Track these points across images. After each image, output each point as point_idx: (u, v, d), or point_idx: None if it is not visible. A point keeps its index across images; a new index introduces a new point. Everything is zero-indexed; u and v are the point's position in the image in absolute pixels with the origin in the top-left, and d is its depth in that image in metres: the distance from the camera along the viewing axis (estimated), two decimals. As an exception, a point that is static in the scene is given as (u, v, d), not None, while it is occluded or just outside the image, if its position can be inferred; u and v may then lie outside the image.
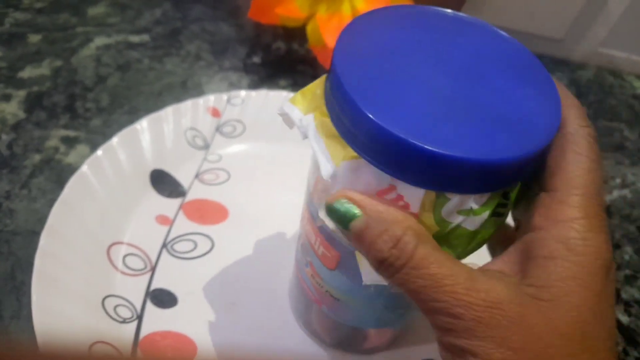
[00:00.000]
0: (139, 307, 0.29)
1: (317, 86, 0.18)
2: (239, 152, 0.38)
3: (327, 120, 0.17)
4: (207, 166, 0.36)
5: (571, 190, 0.15)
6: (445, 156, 0.14)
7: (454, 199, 0.15)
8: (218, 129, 0.38)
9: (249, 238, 0.33)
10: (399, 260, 0.15)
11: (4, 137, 0.36)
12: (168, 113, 0.37)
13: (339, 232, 0.17)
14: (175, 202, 0.34)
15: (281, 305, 0.30)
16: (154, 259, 0.31)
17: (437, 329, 0.15)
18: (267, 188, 0.35)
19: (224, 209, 0.34)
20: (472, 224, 0.16)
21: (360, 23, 0.18)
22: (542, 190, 0.16)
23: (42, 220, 0.30)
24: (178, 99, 0.40)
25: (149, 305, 0.29)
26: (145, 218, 0.33)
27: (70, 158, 0.35)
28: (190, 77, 0.43)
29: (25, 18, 0.46)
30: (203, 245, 0.32)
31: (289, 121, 0.19)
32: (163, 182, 0.35)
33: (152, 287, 0.30)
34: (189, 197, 0.35)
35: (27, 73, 0.41)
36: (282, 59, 0.47)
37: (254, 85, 0.44)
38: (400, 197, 0.15)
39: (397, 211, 0.15)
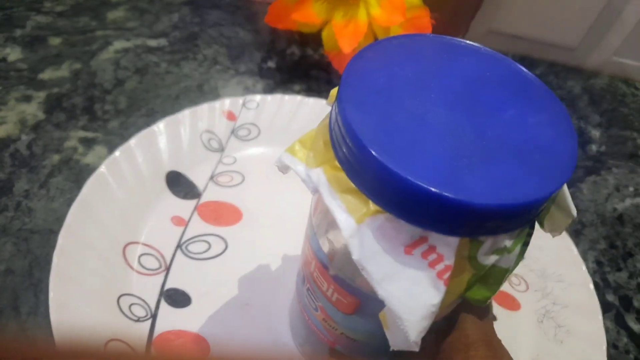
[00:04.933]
0: (153, 306, 0.29)
1: (318, 136, 0.17)
2: (253, 155, 0.38)
3: (342, 175, 0.15)
4: (222, 168, 0.37)
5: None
6: (477, 204, 0.13)
7: (488, 242, 0.15)
8: (233, 132, 0.39)
9: (262, 240, 0.33)
10: None
11: (24, 137, 0.37)
12: (185, 116, 0.37)
13: (359, 281, 0.17)
14: (190, 204, 0.34)
15: (294, 306, 0.30)
16: (168, 259, 0.31)
17: None
18: (280, 191, 0.36)
19: (238, 210, 0.35)
20: (506, 261, 0.16)
21: (359, 62, 0.17)
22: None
23: (60, 219, 0.30)
24: (194, 102, 0.40)
25: (163, 305, 0.29)
26: (161, 219, 0.33)
27: (88, 159, 0.36)
28: (207, 81, 0.44)
29: (47, 21, 0.47)
30: (217, 246, 0.33)
31: (284, 168, 0.18)
32: (179, 184, 0.35)
33: (167, 287, 0.30)
34: (204, 198, 0.35)
35: (47, 75, 0.42)
36: (296, 64, 0.48)
37: (269, 90, 0.44)
38: (432, 249, 0.15)
39: None
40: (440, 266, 0.15)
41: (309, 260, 0.21)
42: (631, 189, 0.43)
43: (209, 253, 0.32)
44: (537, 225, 0.17)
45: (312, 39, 0.49)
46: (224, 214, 0.34)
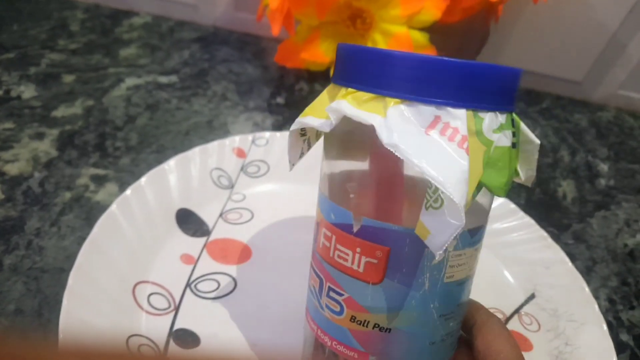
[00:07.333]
0: (162, 347, 0.29)
1: (322, 97, 0.21)
2: (262, 192, 0.38)
3: (355, 94, 0.19)
4: (231, 205, 0.37)
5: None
6: (476, 65, 0.17)
7: (487, 117, 0.18)
8: (243, 169, 0.39)
9: (272, 278, 0.33)
10: None
11: (37, 174, 0.37)
12: (195, 153, 0.38)
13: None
14: (199, 241, 0.35)
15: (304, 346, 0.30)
16: (177, 299, 0.31)
17: None
18: (290, 228, 0.36)
19: (247, 248, 0.35)
20: (506, 139, 0.19)
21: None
22: None
23: (70, 258, 0.30)
24: (204, 138, 0.41)
25: (172, 346, 0.29)
26: (170, 257, 0.33)
27: (99, 196, 0.36)
28: (216, 117, 0.44)
29: (60, 59, 0.48)
30: (226, 285, 0.32)
31: (295, 152, 0.22)
32: (188, 221, 0.35)
33: (176, 327, 0.30)
34: (213, 236, 0.35)
35: (60, 112, 0.42)
36: (305, 100, 0.48)
37: (278, 125, 0.45)
38: (447, 125, 0.17)
39: None
40: (457, 137, 0.17)
41: (326, 248, 0.22)
42: (641, 224, 0.43)
43: (218, 292, 0.32)
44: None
45: (320, 75, 0.49)
46: (232, 252, 0.34)
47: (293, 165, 0.24)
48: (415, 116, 0.18)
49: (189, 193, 0.37)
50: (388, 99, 0.18)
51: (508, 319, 0.33)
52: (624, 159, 0.50)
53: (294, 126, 0.21)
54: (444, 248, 0.17)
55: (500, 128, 0.18)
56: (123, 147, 0.40)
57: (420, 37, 0.41)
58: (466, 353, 0.25)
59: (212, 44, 0.54)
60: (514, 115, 0.20)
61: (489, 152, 0.18)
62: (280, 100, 0.48)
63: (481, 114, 0.18)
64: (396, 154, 0.17)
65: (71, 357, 0.12)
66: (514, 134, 0.19)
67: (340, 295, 0.22)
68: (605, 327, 0.32)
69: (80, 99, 0.44)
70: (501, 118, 0.19)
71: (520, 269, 0.36)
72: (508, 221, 0.39)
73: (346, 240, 0.21)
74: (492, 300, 0.34)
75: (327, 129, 0.19)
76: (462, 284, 0.22)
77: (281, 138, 0.41)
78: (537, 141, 0.21)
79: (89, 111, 0.43)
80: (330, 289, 0.23)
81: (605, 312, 0.35)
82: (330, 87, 0.21)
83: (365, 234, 0.20)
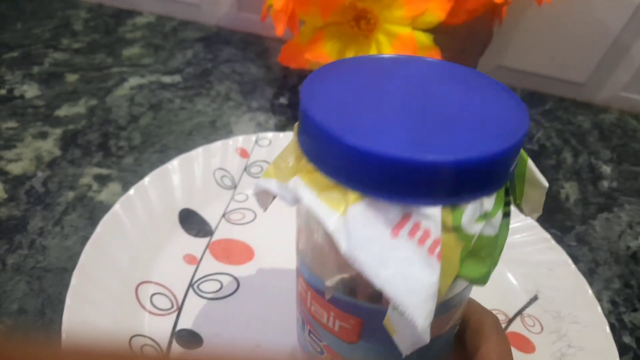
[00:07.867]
0: (165, 347, 0.29)
1: (288, 154, 0.18)
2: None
3: (317, 176, 0.16)
4: (234, 206, 0.37)
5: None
6: (449, 161, 0.14)
7: (468, 208, 0.15)
8: (246, 169, 0.39)
9: (275, 279, 0.33)
10: None
11: (40, 174, 0.37)
12: (198, 153, 0.38)
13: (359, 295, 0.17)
14: (202, 242, 0.35)
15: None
16: (180, 299, 0.31)
17: None
18: (293, 228, 0.36)
19: (250, 249, 0.35)
20: (491, 228, 0.16)
21: (319, 73, 0.18)
22: None
23: (73, 258, 0.30)
24: (207, 138, 0.41)
25: (175, 346, 0.29)
26: (173, 257, 0.33)
27: (102, 196, 0.36)
28: (220, 117, 0.44)
29: (64, 58, 0.48)
30: (229, 285, 0.32)
31: (264, 200, 0.19)
32: (191, 221, 0.35)
33: (178, 327, 0.30)
34: (216, 236, 0.35)
35: (63, 111, 0.42)
36: (307, 100, 0.48)
37: (281, 126, 0.45)
38: (417, 226, 0.14)
39: None
40: (429, 242, 0.14)
41: (304, 297, 0.21)
42: (644, 226, 0.43)
43: (221, 292, 0.32)
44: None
45: (323, 75, 0.49)
46: (235, 252, 0.34)
47: (265, 209, 0.22)
48: (380, 215, 0.15)
49: (192, 193, 0.37)
50: (350, 193, 0.15)
51: (511, 320, 0.33)
52: (626, 161, 0.50)
53: (255, 189, 0.19)
54: (411, 351, 0.15)
55: (485, 217, 0.15)
56: (126, 146, 0.40)
57: (425, 38, 0.41)
58: (456, 348, 0.25)
59: (215, 44, 0.54)
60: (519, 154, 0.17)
61: (469, 246, 0.15)
62: (283, 100, 0.48)
63: (461, 206, 0.15)
64: (354, 266, 0.14)
65: (74, 357, 0.12)
66: (507, 203, 0.17)
67: (320, 341, 0.22)
68: (608, 329, 0.32)
69: (83, 98, 0.44)
70: (488, 204, 0.15)
71: (523, 270, 0.36)
72: (511, 223, 0.39)
73: (319, 302, 0.20)
74: (494, 301, 0.34)
75: (290, 205, 0.17)
76: (446, 333, 0.21)
77: (284, 138, 0.41)
78: (546, 184, 0.18)
79: (92, 111, 0.43)
80: (310, 332, 0.22)
81: (607, 314, 0.35)
82: (295, 144, 0.18)
83: (336, 303, 0.19)
